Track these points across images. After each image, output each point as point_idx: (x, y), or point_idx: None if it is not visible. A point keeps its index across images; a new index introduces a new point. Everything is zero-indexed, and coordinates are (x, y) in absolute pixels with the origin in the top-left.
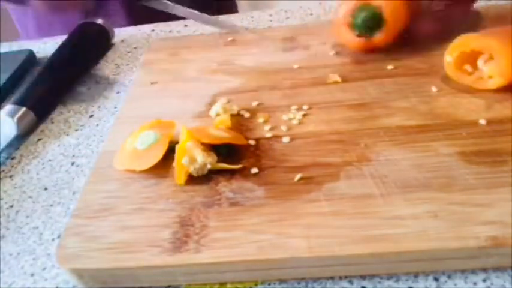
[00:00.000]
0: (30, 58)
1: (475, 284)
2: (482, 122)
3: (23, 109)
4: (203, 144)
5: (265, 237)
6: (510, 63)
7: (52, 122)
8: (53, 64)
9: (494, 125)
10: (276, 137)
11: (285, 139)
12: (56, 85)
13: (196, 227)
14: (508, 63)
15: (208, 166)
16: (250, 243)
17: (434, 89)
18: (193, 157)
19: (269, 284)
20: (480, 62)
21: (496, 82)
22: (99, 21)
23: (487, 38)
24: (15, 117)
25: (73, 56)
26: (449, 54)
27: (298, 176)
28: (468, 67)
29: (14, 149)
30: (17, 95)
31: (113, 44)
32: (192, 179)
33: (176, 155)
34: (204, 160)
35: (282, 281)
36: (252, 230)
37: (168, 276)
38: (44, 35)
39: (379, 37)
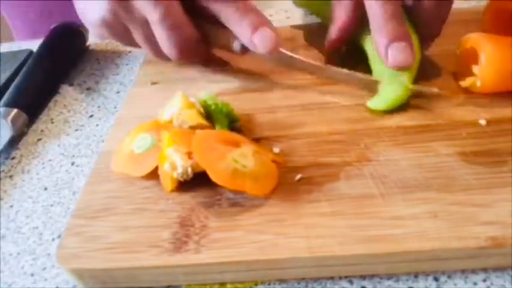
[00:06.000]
0: None
1: (475, 284)
2: (482, 122)
3: (15, 110)
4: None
5: (265, 237)
6: (495, 72)
7: (52, 122)
8: (36, 65)
9: (494, 125)
10: (276, 137)
11: (285, 139)
12: (42, 85)
13: (197, 227)
14: (492, 71)
15: (189, 170)
16: (250, 244)
17: (434, 89)
18: (174, 163)
19: (269, 284)
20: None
21: (479, 87)
22: (74, 23)
23: (485, 40)
24: (9, 119)
25: (53, 56)
26: (458, 48)
27: (298, 176)
28: (476, 69)
29: (14, 149)
30: (6, 96)
31: (88, 45)
32: (192, 179)
33: (158, 163)
34: (184, 165)
35: (282, 281)
36: (252, 230)
37: (168, 276)
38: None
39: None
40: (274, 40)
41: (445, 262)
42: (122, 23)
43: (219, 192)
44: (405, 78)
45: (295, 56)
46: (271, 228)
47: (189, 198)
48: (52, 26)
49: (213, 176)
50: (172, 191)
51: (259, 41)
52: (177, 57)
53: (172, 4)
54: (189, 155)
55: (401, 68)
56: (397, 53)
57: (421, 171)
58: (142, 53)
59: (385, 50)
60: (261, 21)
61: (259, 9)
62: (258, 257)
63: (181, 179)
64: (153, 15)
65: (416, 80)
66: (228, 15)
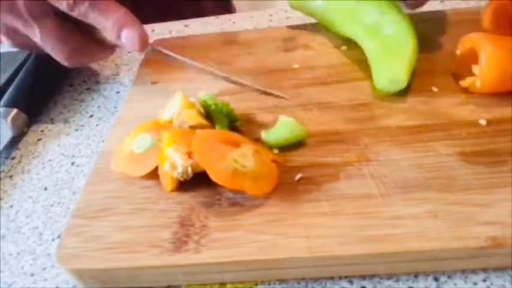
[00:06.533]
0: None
1: (475, 284)
2: (482, 122)
3: (15, 110)
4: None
5: (265, 237)
6: (494, 72)
7: (52, 122)
8: (35, 65)
9: (494, 125)
10: None
11: None
12: (41, 85)
13: (197, 227)
14: (492, 71)
15: (189, 170)
16: (250, 243)
17: (434, 89)
18: (174, 163)
19: (269, 284)
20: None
21: (479, 87)
22: None
23: (484, 40)
24: (9, 119)
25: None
26: (458, 48)
27: (298, 176)
28: (476, 69)
29: (14, 149)
30: (6, 96)
31: None
32: (192, 179)
33: (159, 163)
34: (184, 164)
35: (282, 281)
36: (252, 230)
37: (168, 276)
38: None
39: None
40: (139, 39)
41: (445, 262)
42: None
43: (219, 192)
44: (403, 75)
45: (172, 54)
46: (271, 228)
47: (189, 198)
48: None
49: (213, 176)
50: (172, 190)
51: (126, 41)
52: (72, 65)
53: (46, 24)
54: (189, 154)
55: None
56: None
57: (421, 171)
58: (142, 54)
59: None
60: (124, 21)
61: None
62: (258, 257)
63: (181, 179)
64: (32, 36)
65: (415, 80)
66: (94, 19)
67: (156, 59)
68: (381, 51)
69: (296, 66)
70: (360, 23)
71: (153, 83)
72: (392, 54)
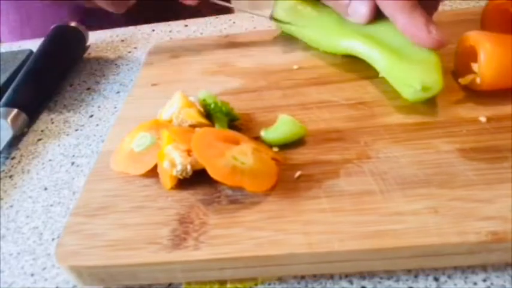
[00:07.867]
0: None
1: (475, 284)
2: (482, 119)
3: (15, 110)
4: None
5: (265, 234)
6: (494, 69)
7: (52, 122)
8: (35, 65)
9: (494, 122)
10: None
11: None
12: (41, 85)
13: (196, 224)
14: (491, 68)
15: (189, 167)
16: (250, 240)
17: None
18: (173, 161)
19: (269, 284)
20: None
21: (479, 84)
22: (73, 24)
23: (484, 37)
24: (9, 119)
25: (53, 57)
26: (457, 46)
27: (297, 174)
28: (475, 67)
29: (14, 149)
30: (6, 96)
31: (88, 46)
32: (191, 177)
33: (158, 161)
34: (183, 162)
35: (281, 280)
36: (251, 227)
37: (167, 273)
38: (17, 39)
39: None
40: None
41: (446, 258)
42: None
43: (218, 189)
44: (436, 79)
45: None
46: (270, 225)
47: (188, 196)
48: (51, 27)
49: (212, 172)
50: (171, 188)
51: None
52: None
53: None
54: (189, 152)
55: (442, 46)
56: (439, 30)
57: (421, 167)
58: (142, 54)
59: (426, 28)
60: None
61: None
62: (257, 253)
63: (181, 177)
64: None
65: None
66: None
67: (157, 61)
68: (401, 61)
69: (296, 67)
70: (365, 38)
71: (153, 85)
72: (415, 60)
